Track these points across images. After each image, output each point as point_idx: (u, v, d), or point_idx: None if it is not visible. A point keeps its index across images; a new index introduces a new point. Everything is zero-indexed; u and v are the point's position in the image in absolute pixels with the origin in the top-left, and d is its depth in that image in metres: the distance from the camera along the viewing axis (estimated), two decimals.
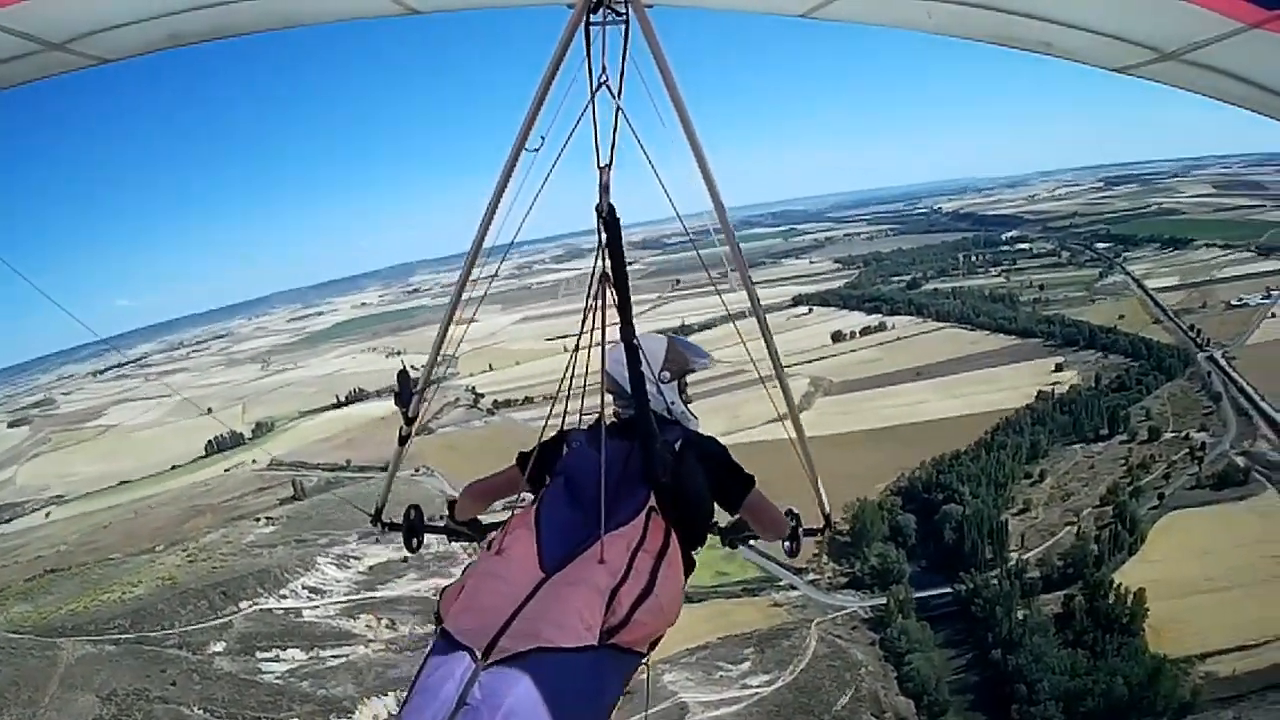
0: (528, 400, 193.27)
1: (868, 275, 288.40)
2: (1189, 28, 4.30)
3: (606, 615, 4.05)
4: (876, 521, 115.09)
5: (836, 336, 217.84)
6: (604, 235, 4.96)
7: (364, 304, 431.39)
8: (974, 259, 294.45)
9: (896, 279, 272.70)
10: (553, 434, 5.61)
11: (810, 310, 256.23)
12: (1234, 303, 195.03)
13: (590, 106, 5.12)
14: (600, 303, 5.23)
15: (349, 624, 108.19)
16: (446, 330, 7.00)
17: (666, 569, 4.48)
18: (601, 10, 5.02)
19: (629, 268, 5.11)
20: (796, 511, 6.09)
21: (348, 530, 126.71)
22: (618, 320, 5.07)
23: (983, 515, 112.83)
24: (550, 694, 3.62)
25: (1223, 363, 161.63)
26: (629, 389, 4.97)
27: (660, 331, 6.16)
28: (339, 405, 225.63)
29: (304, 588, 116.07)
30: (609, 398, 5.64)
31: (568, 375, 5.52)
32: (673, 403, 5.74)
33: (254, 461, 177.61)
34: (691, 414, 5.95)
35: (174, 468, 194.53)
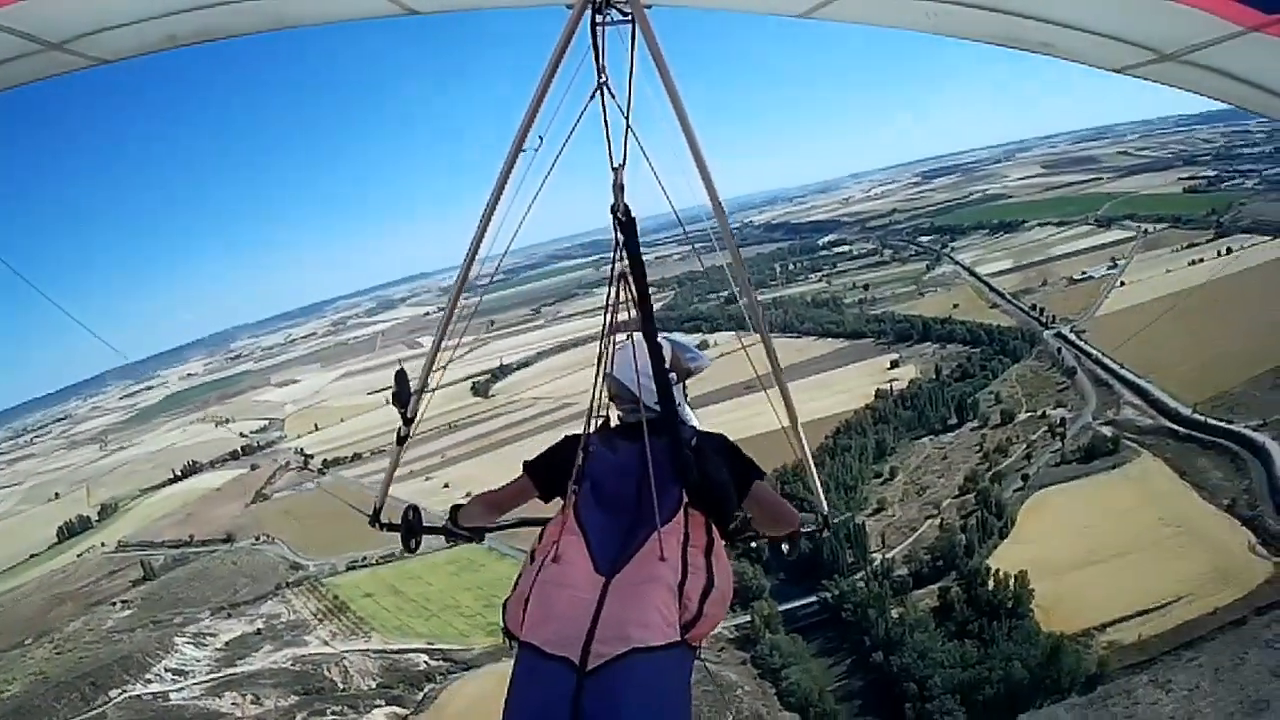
0: (357, 457, 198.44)
1: (684, 295, 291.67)
2: (1188, 30, 4.55)
3: (680, 611, 4.14)
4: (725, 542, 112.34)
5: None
6: (621, 236, 5.10)
7: (190, 374, 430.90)
8: (791, 267, 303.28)
9: (714, 296, 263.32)
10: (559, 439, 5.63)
11: (629, 337, 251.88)
12: (1077, 277, 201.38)
13: (593, 107, 5.27)
14: (618, 301, 5.69)
15: (215, 703, 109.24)
16: (445, 329, 6.86)
17: (717, 562, 4.54)
18: (602, 10, 5.16)
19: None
20: (807, 511, 6.28)
21: (199, 607, 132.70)
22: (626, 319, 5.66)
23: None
24: (655, 693, 3.78)
25: (1072, 337, 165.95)
26: (635, 391, 5.31)
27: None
28: (175, 480, 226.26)
29: (166, 670, 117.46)
30: (618, 399, 5.72)
31: (598, 376, 5.67)
32: (679, 405, 5.77)
33: (103, 544, 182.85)
34: (693, 415, 6.02)
35: (32, 556, 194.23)
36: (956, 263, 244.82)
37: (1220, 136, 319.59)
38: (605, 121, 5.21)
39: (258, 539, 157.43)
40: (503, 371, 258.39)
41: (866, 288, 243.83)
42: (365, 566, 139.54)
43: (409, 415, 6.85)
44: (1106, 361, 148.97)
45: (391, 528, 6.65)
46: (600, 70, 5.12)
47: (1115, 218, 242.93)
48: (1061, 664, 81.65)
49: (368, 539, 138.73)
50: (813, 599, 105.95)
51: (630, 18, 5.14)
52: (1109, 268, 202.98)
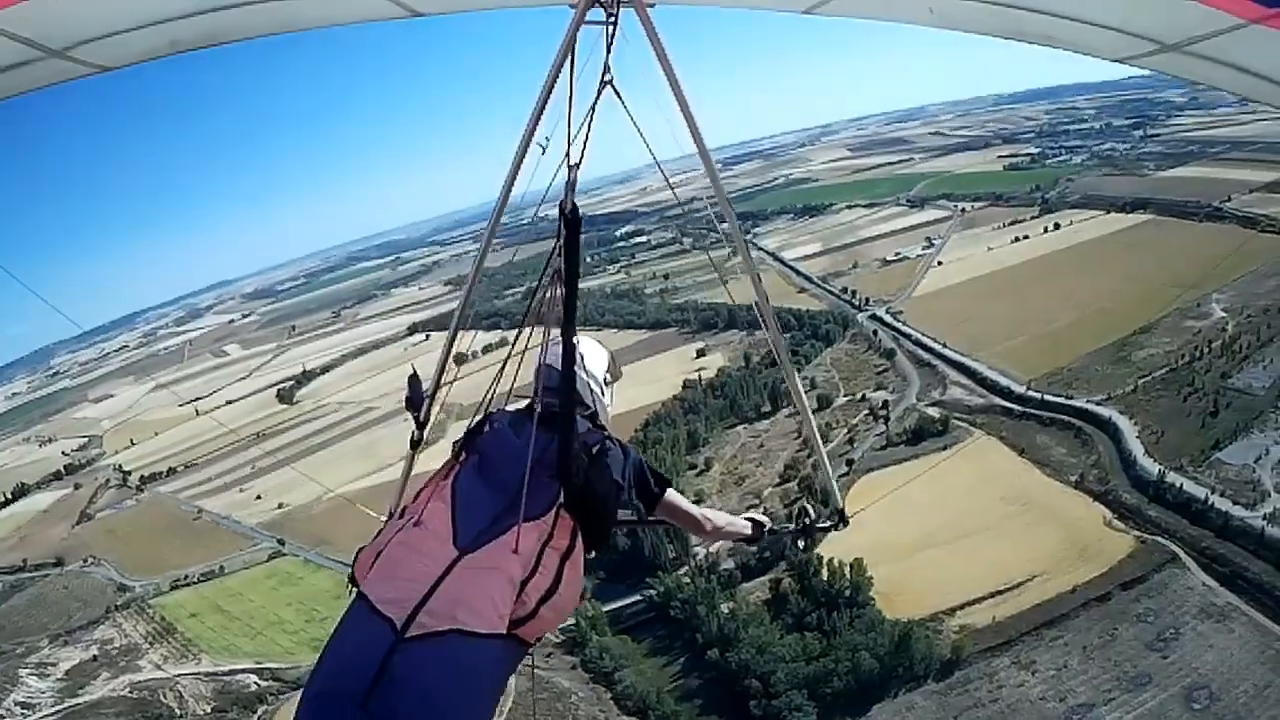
0: (171, 471, 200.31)
1: (479, 291, 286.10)
2: (1190, 22, 4.78)
3: (515, 606, 4.31)
4: None
5: (460, 359, 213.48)
6: (564, 233, 5.33)
7: (15, 394, 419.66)
8: (589, 260, 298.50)
9: (510, 292, 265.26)
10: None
11: (428, 337, 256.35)
12: (890, 258, 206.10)
13: (596, 104, 5.64)
14: (548, 299, 5.66)
15: None
16: (456, 331, 7.86)
17: (570, 570, 4.72)
18: (603, 10, 5.52)
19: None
20: (808, 507, 7.26)
21: (38, 635, 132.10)
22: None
23: None
24: (463, 676, 3.97)
25: (888, 318, 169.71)
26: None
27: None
28: (6, 502, 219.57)
29: (16, 704, 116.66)
30: (546, 390, 5.80)
31: (508, 362, 5.83)
32: (606, 406, 6.31)
33: None
34: (609, 422, 6.32)
35: None
36: (760, 248, 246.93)
37: (1043, 115, 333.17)
38: (569, 120, 5.33)
39: (86, 561, 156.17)
40: (306, 377, 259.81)
41: (667, 277, 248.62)
42: (188, 585, 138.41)
43: (422, 419, 7.28)
44: (928, 342, 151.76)
45: None
46: (605, 69, 5.49)
47: (929, 198, 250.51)
48: (912, 651, 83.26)
49: (189, 555, 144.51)
50: (638, 597, 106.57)
51: (615, 18, 5.47)
52: (924, 248, 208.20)
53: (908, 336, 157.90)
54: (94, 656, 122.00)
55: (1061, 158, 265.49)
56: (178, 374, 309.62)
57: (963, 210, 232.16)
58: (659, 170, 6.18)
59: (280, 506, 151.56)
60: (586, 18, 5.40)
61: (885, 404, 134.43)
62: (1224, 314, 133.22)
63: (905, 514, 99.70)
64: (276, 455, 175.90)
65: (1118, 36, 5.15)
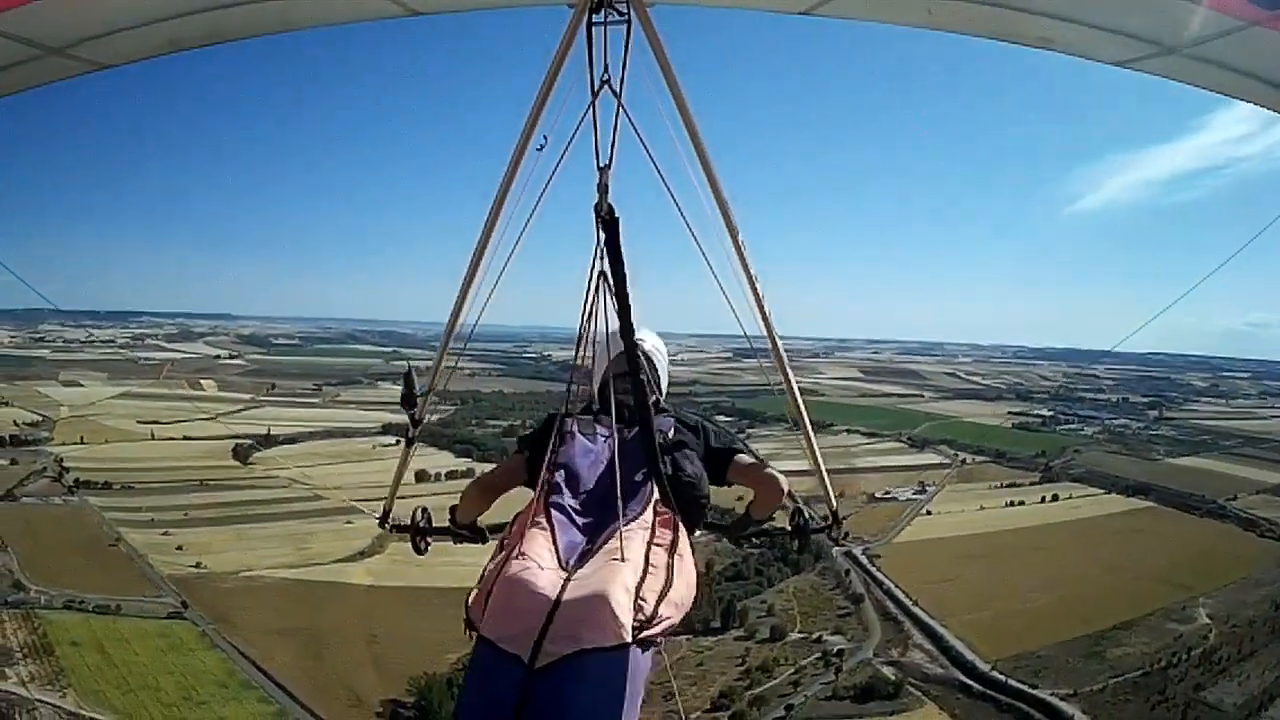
0: (107, 486, 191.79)
1: (463, 414, 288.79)
2: (1190, 24, 4.92)
3: (635, 612, 4.35)
4: (445, 701, 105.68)
5: (420, 476, 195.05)
6: (603, 235, 5.37)
7: None
8: None
9: (493, 423, 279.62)
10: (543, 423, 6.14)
11: (399, 441, 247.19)
12: (879, 495, 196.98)
13: (592, 107, 5.71)
14: (597, 298, 6.03)
15: None
16: (451, 331, 7.39)
17: (680, 562, 4.87)
18: (604, 10, 5.54)
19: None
20: (803, 509, 7.38)
21: None
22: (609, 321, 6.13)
23: None
24: (600, 693, 4.09)
25: (864, 560, 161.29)
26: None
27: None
28: None
29: None
30: (618, 379, 6.03)
31: (577, 357, 6.43)
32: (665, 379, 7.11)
33: None
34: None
35: None
36: (750, 452, 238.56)
37: (1061, 375, 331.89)
38: (595, 122, 5.54)
39: None
40: (267, 441, 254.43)
41: None
42: (80, 610, 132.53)
43: (416, 417, 7.55)
44: (899, 594, 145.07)
45: (401, 529, 7.71)
46: (605, 69, 5.55)
47: (931, 440, 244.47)
48: None
49: (91, 580, 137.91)
50: None
51: (627, 17, 5.47)
52: (915, 492, 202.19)
53: (880, 584, 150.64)
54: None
55: (1073, 426, 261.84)
56: (150, 389, 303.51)
57: (963, 461, 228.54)
58: (659, 174, 5.76)
59: (197, 565, 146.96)
60: (588, 18, 5.37)
61: (840, 652, 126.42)
62: (1208, 620, 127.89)
63: None
64: (212, 510, 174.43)
65: (1116, 39, 5.24)
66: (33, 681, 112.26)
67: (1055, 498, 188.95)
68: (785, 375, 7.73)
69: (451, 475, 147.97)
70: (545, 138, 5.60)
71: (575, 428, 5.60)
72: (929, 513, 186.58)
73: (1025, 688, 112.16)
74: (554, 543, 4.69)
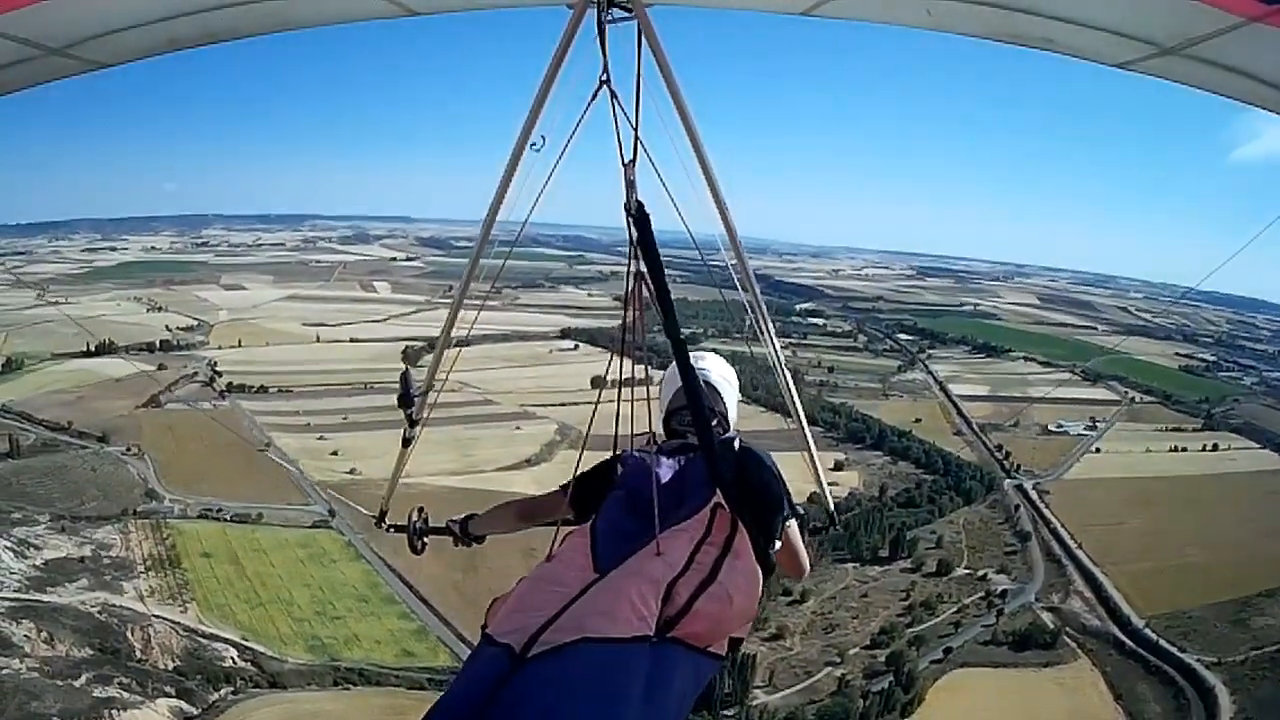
0: (263, 389, 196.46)
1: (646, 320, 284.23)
2: (1188, 22, 4.78)
3: (664, 606, 4.19)
4: None
5: (596, 382, 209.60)
6: (634, 233, 5.24)
7: (153, 247, 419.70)
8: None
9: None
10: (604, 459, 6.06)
11: (577, 347, 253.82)
12: (1052, 428, 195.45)
13: (613, 105, 5.57)
14: (636, 300, 5.87)
15: (9, 628, 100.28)
16: (450, 330, 7.76)
17: (733, 560, 4.67)
18: (603, 10, 5.49)
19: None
20: (799, 509, 6.25)
21: (41, 508, 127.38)
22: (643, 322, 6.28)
23: None
24: (597, 686, 3.75)
25: (1034, 495, 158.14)
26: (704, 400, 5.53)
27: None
28: (88, 354, 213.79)
29: None
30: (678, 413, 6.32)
31: (609, 376, 6.49)
32: (733, 410, 6.61)
33: None
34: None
35: None
36: (931, 373, 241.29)
37: (1224, 321, 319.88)
38: (615, 119, 5.45)
39: (129, 449, 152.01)
40: (434, 346, 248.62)
41: (831, 370, 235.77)
42: (216, 519, 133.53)
43: (414, 417, 7.36)
44: (1064, 535, 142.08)
45: (398, 529, 7.46)
46: (604, 69, 5.42)
47: (1104, 375, 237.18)
48: None
49: (234, 487, 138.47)
50: None
51: (633, 15, 5.48)
52: (1087, 427, 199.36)
53: (1047, 523, 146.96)
54: (82, 558, 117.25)
55: (1234, 374, 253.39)
56: (318, 291, 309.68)
57: (1132, 400, 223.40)
58: (660, 179, 5.81)
59: (352, 472, 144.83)
60: (587, 17, 5.55)
61: (1004, 593, 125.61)
62: None
63: None
64: (371, 416, 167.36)
65: (1115, 39, 5.24)
66: (151, 595, 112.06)
67: (1215, 447, 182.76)
68: (783, 376, 7.67)
69: (626, 384, 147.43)
70: (543, 137, 5.65)
71: (640, 459, 5.49)
72: (1098, 450, 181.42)
73: (1175, 650, 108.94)
74: (593, 547, 4.72)
